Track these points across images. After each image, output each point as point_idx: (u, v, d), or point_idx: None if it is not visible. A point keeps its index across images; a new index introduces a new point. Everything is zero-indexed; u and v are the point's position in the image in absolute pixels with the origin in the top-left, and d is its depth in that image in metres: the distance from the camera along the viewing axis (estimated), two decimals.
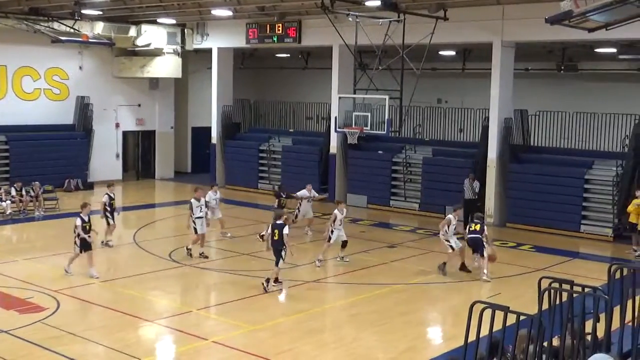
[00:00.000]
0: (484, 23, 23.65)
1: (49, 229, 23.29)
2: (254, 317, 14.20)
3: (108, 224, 20.18)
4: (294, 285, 16.79)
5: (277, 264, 16.18)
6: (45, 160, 29.09)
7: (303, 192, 22.06)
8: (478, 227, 17.65)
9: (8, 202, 24.43)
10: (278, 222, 16.22)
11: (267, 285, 16.01)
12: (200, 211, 18.94)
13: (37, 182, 25.53)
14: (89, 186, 30.62)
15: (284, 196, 22.41)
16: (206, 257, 19.00)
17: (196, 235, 18.90)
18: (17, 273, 17.10)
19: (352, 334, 13.40)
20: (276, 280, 16.32)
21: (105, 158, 32.17)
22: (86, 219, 16.86)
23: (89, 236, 16.89)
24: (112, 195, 20.38)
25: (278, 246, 16.13)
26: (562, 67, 29.88)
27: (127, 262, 19.24)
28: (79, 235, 16.72)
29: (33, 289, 15.71)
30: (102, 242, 20.05)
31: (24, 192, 24.99)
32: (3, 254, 19.24)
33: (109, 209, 20.10)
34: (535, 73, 30.86)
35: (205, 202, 19.71)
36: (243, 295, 15.84)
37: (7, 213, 24.19)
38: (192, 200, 19.00)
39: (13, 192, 24.82)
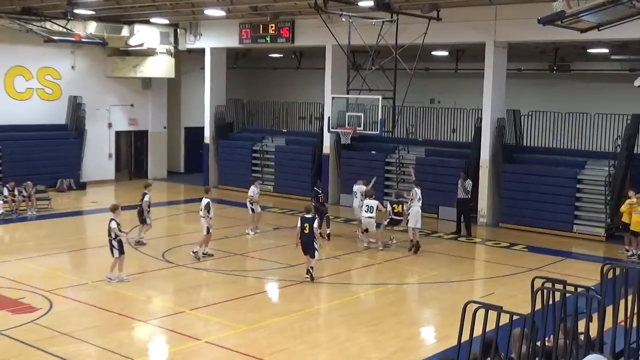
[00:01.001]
0: (476, 23, 23.64)
1: (41, 229, 23.24)
2: (247, 317, 14.17)
3: (145, 223, 20.26)
4: (286, 286, 16.78)
5: (313, 256, 16.73)
6: (38, 160, 28.95)
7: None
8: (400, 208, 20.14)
9: (0, 202, 24.33)
10: (307, 215, 16.73)
11: (311, 274, 16.75)
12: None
13: (29, 182, 25.38)
14: (82, 186, 30.53)
15: (321, 193, 22.31)
16: (211, 255, 19.09)
17: (208, 235, 18.84)
18: (9, 273, 17.01)
19: (345, 334, 13.38)
20: (308, 272, 16.84)
21: (98, 158, 32.09)
22: (118, 220, 16.61)
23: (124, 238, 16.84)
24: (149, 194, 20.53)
25: (309, 240, 16.59)
26: (555, 68, 29.90)
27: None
28: (116, 237, 16.39)
29: (25, 289, 15.65)
30: (136, 240, 20.10)
31: (16, 192, 24.88)
32: None
33: (148, 208, 20.29)
34: (528, 73, 30.85)
35: (250, 197, 21.52)
36: (236, 295, 15.82)
37: (0, 213, 24.06)
38: (209, 200, 18.91)
39: (5, 192, 24.72)
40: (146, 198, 20.16)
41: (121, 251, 16.51)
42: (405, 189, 23.19)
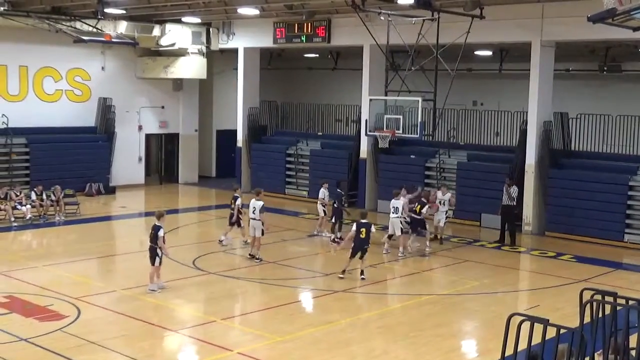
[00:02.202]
0: (522, 22, 23.30)
1: (69, 234, 23.43)
2: (280, 327, 14.03)
3: (239, 225, 20.95)
4: (321, 295, 16.67)
5: (362, 257, 17.43)
6: (66, 163, 28.98)
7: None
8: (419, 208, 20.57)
9: (28, 206, 24.29)
10: (364, 220, 17.29)
11: (363, 275, 17.43)
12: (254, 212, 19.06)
13: (57, 186, 25.28)
14: (111, 190, 30.48)
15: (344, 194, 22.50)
16: (259, 258, 19.22)
17: (257, 239, 19.11)
18: (37, 279, 16.99)
19: (381, 347, 13.14)
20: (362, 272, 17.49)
21: (128, 162, 32.05)
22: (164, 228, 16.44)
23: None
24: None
25: (363, 244, 17.16)
26: (605, 68, 29.55)
27: (149, 269, 18.67)
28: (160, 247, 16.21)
29: (53, 296, 15.61)
30: (244, 241, 21.00)
31: (44, 197, 24.81)
32: (22, 260, 19.19)
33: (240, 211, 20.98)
34: (577, 74, 30.63)
35: (321, 199, 22.30)
36: (269, 304, 15.71)
37: (27, 218, 24.02)
38: (262, 203, 19.02)
39: (33, 196, 24.71)
40: (238, 202, 20.73)
41: (161, 260, 16.30)
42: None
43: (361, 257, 17.39)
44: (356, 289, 17.02)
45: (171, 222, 24.72)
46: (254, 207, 18.88)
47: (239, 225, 20.84)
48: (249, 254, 19.27)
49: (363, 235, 17.08)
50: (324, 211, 22.41)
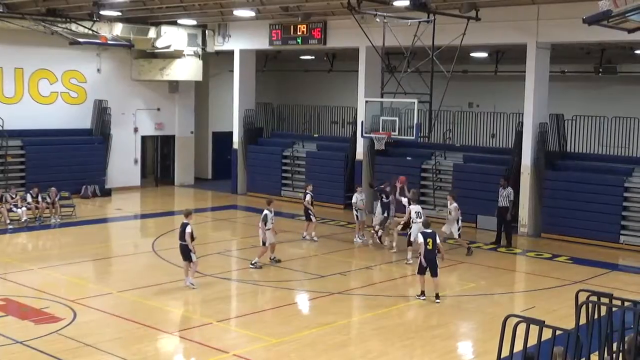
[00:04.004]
0: (518, 23, 23.28)
1: (65, 236, 23.35)
2: (276, 329, 14.01)
3: (310, 220, 22.03)
4: (317, 297, 16.57)
5: (436, 274, 15.95)
6: (62, 165, 28.89)
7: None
8: None
9: (24, 208, 24.23)
10: (428, 230, 16.21)
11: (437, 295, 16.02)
12: (272, 222, 18.77)
13: (53, 188, 25.22)
14: (107, 193, 30.41)
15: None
16: (279, 260, 19.15)
17: (265, 247, 18.76)
18: (32, 282, 16.93)
19: (378, 348, 13.09)
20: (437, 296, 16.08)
21: (124, 164, 31.95)
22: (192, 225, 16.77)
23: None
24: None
25: (432, 256, 15.92)
26: (601, 70, 29.51)
27: (145, 271, 19.08)
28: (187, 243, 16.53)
29: (49, 298, 15.56)
30: (303, 236, 22.06)
31: (40, 199, 24.77)
32: (18, 263, 19.08)
33: (312, 207, 21.99)
34: (572, 76, 30.62)
35: (354, 203, 22.21)
36: (266, 307, 15.82)
37: (23, 220, 23.97)
38: (267, 212, 18.68)
39: (29, 199, 24.62)
40: (308, 197, 21.79)
41: (195, 256, 16.61)
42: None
43: (431, 273, 15.91)
44: (352, 290, 16.92)
45: (167, 224, 24.83)
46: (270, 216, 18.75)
47: (310, 219, 21.86)
48: (270, 258, 19.11)
49: (430, 246, 15.76)
50: (357, 216, 22.32)
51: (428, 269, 15.90)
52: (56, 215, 24.79)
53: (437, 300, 15.91)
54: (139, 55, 31.54)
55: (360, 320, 15.31)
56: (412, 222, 19.43)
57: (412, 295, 16.88)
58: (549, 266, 20.02)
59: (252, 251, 20.49)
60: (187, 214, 16.89)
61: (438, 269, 15.98)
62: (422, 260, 15.85)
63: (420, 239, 15.93)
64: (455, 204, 20.80)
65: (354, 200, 22.27)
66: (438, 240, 16.00)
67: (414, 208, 19.77)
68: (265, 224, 18.49)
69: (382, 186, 21.96)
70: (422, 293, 16.09)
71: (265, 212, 18.59)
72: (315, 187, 25.51)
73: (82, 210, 26.34)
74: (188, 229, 16.38)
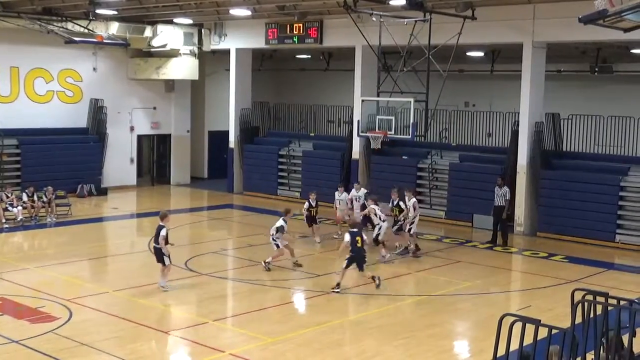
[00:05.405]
0: (514, 23, 23.28)
1: (61, 235, 23.29)
2: (273, 328, 14.00)
3: (316, 222, 22.28)
4: (313, 296, 16.61)
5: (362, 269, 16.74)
6: (58, 164, 28.87)
7: None
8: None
9: (19, 207, 24.17)
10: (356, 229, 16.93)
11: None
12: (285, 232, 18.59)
13: (49, 187, 25.19)
14: (103, 192, 30.38)
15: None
16: (300, 265, 18.85)
17: (279, 250, 18.47)
18: (28, 281, 16.91)
19: (373, 347, 13.08)
20: None
21: (119, 163, 31.96)
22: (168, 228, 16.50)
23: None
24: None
25: (362, 252, 16.76)
26: (596, 69, 29.46)
27: (141, 270, 18.93)
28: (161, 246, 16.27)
29: (45, 297, 15.55)
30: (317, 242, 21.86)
31: (35, 198, 24.70)
32: (14, 262, 19.03)
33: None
34: (568, 75, 30.57)
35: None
36: (262, 306, 15.62)
37: (18, 219, 23.91)
38: (282, 223, 18.35)
39: (24, 198, 24.57)
40: (305, 205, 21.94)
41: (169, 259, 16.38)
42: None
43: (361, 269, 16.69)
44: (348, 289, 16.91)
45: None
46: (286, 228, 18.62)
47: (315, 222, 22.06)
48: (294, 263, 18.91)
49: (359, 244, 16.44)
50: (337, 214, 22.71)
51: (355, 264, 16.54)
52: (52, 214, 24.75)
53: (337, 290, 16.37)
54: (135, 54, 31.51)
55: (356, 319, 15.23)
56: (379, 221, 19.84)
57: (409, 294, 16.95)
58: (545, 265, 20.04)
59: (247, 250, 20.65)
60: (163, 216, 16.57)
61: (364, 265, 16.72)
62: (353, 256, 16.44)
63: (348, 238, 16.44)
64: (414, 199, 20.73)
65: (335, 197, 22.66)
66: (365, 237, 16.79)
67: (376, 208, 19.96)
68: (282, 234, 18.24)
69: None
70: (338, 285, 16.49)
71: (281, 222, 18.25)
72: (310, 187, 25.60)
73: (77, 209, 26.29)
74: (163, 232, 16.09)
